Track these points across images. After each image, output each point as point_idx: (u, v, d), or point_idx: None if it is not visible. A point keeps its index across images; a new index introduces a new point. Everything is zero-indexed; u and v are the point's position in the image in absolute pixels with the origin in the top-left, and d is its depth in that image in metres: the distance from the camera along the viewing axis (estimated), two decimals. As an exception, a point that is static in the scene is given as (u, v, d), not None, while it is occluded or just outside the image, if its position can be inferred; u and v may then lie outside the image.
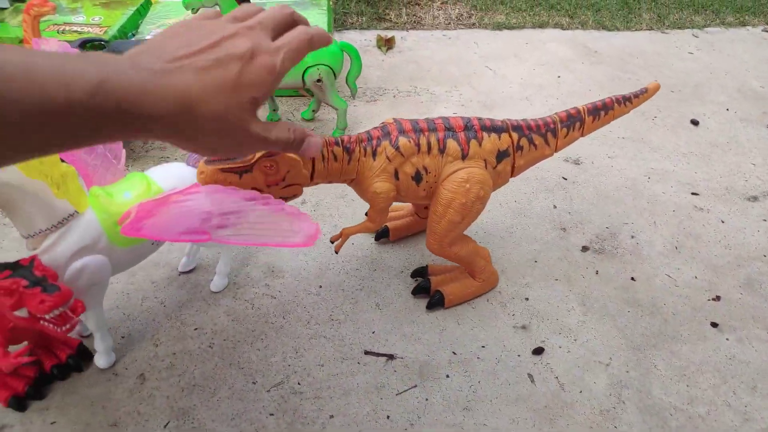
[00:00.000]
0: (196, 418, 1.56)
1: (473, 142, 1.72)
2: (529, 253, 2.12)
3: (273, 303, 1.90)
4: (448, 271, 1.97)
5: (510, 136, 1.77)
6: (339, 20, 3.75)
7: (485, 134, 1.73)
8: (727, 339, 1.85)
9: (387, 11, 3.95)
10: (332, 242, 1.82)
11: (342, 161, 1.66)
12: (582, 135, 1.90)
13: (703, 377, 1.73)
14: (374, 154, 1.68)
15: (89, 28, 2.87)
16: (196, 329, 1.80)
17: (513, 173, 1.85)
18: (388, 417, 1.59)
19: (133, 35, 2.94)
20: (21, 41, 2.70)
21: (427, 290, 1.91)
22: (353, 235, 1.82)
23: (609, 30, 3.84)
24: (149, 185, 1.58)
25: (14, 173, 1.29)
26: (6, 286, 1.26)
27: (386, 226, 2.15)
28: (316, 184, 1.69)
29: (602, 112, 1.87)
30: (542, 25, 3.86)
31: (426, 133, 1.70)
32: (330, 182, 1.71)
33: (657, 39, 3.76)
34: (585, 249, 2.15)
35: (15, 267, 1.33)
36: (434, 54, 3.50)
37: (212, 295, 1.92)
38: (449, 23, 3.87)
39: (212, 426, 1.54)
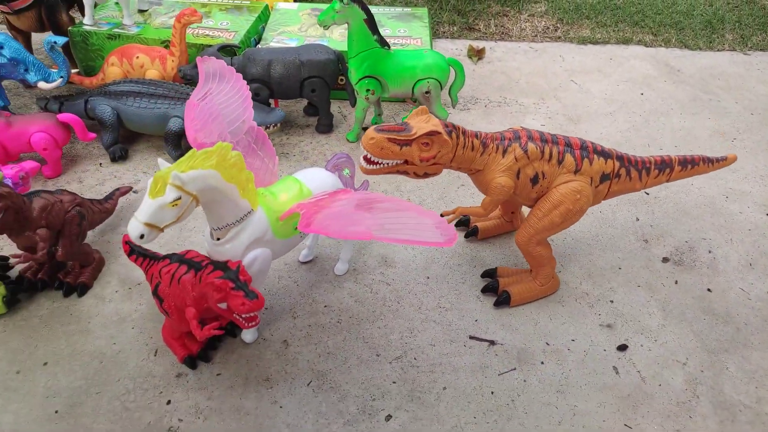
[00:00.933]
0: (332, 379, 1.89)
1: (586, 161, 1.98)
2: (613, 260, 2.37)
3: (388, 289, 2.21)
4: (515, 274, 2.22)
5: (613, 163, 2.03)
6: (432, 29, 4.00)
7: (596, 156, 2.00)
8: (795, 350, 2.06)
9: (476, 21, 4.19)
10: (442, 215, 2.08)
11: (476, 152, 1.95)
12: (668, 181, 2.17)
13: (771, 382, 1.95)
14: (504, 152, 1.96)
15: (219, 33, 3.22)
16: (325, 306, 2.13)
17: (606, 196, 2.10)
18: (492, 393, 1.88)
19: (256, 42, 3.28)
20: (164, 42, 3.08)
21: (495, 290, 2.17)
22: (464, 214, 2.09)
23: (692, 49, 3.99)
24: (301, 188, 1.91)
25: (218, 178, 1.62)
26: (218, 285, 1.60)
27: (476, 226, 2.42)
28: (450, 168, 1.97)
29: (689, 165, 2.15)
30: (626, 42, 4.03)
31: (549, 144, 1.98)
32: (458, 169, 1.98)
33: (739, 60, 3.89)
34: (665, 260, 2.37)
35: (224, 268, 1.66)
36: (522, 66, 3.73)
37: (336, 278, 2.24)
38: (536, 35, 4.08)
39: (346, 387, 1.87)
